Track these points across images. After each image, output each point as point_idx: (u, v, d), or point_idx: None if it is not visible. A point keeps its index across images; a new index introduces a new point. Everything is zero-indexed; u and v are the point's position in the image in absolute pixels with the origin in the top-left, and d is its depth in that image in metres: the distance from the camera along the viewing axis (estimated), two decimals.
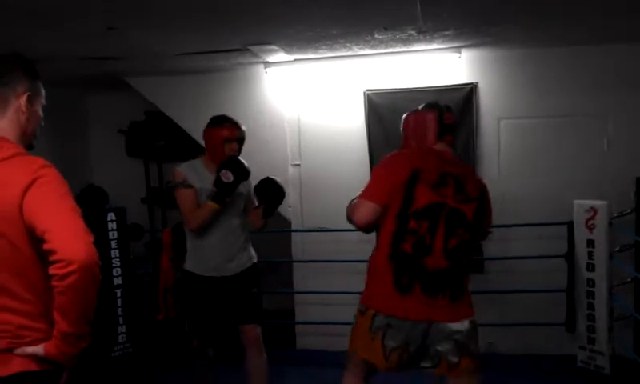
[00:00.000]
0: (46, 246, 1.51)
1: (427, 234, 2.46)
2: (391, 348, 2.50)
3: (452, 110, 2.79)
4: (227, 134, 3.29)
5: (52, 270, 1.50)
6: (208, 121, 3.42)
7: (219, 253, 3.28)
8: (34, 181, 1.56)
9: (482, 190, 2.61)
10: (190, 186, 3.24)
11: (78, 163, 5.75)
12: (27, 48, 3.60)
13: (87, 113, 5.92)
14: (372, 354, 2.55)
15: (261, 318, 3.45)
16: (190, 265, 3.38)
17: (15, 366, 1.59)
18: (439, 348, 2.49)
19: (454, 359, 2.47)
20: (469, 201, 2.51)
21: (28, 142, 1.76)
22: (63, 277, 1.48)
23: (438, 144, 2.68)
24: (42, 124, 1.82)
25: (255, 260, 3.47)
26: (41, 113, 1.81)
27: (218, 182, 3.15)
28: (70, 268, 1.48)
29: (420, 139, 2.70)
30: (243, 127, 3.40)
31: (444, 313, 2.47)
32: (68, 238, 1.51)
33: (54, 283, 1.50)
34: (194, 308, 3.40)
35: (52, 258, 1.50)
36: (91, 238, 1.56)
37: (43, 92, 1.82)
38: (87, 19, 3.09)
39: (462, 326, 2.49)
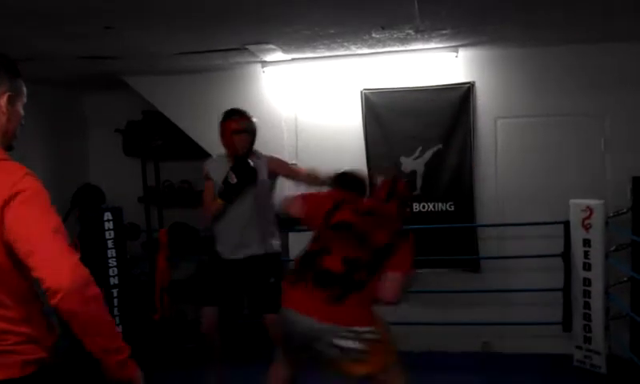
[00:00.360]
0: (33, 274, 1.52)
1: (334, 242, 2.75)
2: (283, 337, 2.81)
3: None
4: (234, 126, 3.44)
5: (50, 301, 1.51)
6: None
7: (232, 238, 3.46)
8: (15, 194, 1.53)
9: (395, 233, 2.77)
10: (210, 179, 3.51)
11: (75, 162, 5.74)
12: (26, 47, 3.60)
13: (85, 112, 5.90)
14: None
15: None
16: (216, 245, 3.59)
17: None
18: (319, 346, 2.64)
19: (336, 359, 2.64)
20: (382, 229, 2.75)
21: (8, 143, 1.71)
22: (57, 306, 1.49)
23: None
24: (23, 123, 1.76)
25: (276, 249, 3.59)
26: (22, 112, 1.75)
27: (225, 181, 3.34)
28: (58, 296, 1.48)
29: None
30: (253, 119, 3.51)
31: (321, 310, 2.62)
32: (51, 265, 1.50)
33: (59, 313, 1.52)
34: (210, 279, 3.59)
35: (42, 286, 1.51)
36: (75, 258, 1.54)
37: (25, 90, 1.77)
38: (86, 19, 3.08)
39: (337, 330, 2.61)
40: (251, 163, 3.34)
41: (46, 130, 5.17)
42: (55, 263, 1.50)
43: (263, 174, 3.47)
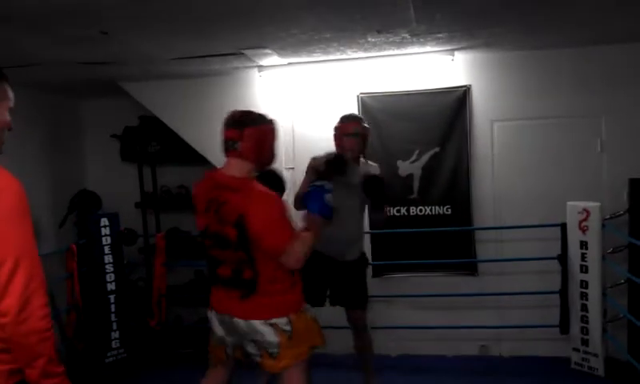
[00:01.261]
0: None
1: (215, 249, 2.66)
2: (214, 340, 2.76)
3: (236, 123, 2.64)
4: (344, 130, 3.65)
5: None
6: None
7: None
8: None
9: (242, 214, 2.50)
10: None
11: (72, 168, 5.73)
12: (22, 53, 3.60)
13: (81, 118, 5.90)
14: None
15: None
16: None
17: None
18: (245, 343, 2.64)
19: (256, 356, 2.62)
20: (226, 224, 2.56)
21: None
22: (4, 327, 1.52)
23: (225, 162, 2.68)
24: (11, 128, 1.73)
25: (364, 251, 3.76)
26: (8, 117, 1.71)
27: None
28: (4, 320, 1.50)
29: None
30: (363, 123, 3.68)
31: (237, 308, 2.62)
32: (10, 287, 1.51)
33: None
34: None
35: None
36: (35, 285, 1.54)
37: (10, 95, 1.72)
38: (82, 24, 3.08)
39: (252, 324, 2.59)
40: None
41: (44, 135, 5.17)
42: (15, 288, 1.50)
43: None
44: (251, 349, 2.63)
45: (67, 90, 5.32)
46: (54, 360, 1.59)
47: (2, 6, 2.69)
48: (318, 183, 2.78)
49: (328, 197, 2.71)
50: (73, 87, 5.23)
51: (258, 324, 2.57)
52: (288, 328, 2.57)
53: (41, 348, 1.55)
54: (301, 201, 3.10)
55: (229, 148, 2.61)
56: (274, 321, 2.57)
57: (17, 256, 1.52)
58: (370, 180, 3.53)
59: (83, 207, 5.22)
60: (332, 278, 3.66)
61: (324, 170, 3.28)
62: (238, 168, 2.60)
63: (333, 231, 3.26)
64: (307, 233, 2.62)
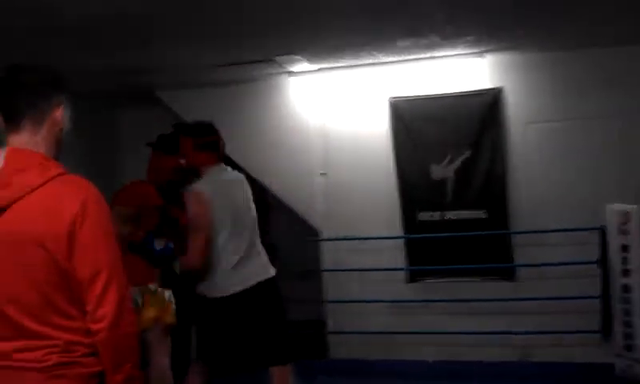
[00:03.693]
0: (85, 294, 1.56)
1: None
2: None
3: None
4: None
5: (90, 325, 1.57)
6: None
7: None
8: (84, 211, 1.56)
9: None
10: None
11: (109, 175, 5.85)
12: (62, 62, 3.70)
13: (118, 126, 6.03)
14: None
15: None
16: None
17: None
18: None
19: None
20: None
21: (57, 155, 1.73)
22: (97, 333, 1.56)
23: None
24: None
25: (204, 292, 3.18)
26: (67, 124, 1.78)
27: None
28: (100, 326, 1.55)
29: None
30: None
31: None
32: (106, 296, 1.56)
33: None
34: None
35: (86, 307, 1.56)
36: (126, 292, 1.60)
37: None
38: (121, 34, 3.17)
39: None
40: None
41: (81, 143, 5.25)
42: (110, 297, 1.56)
43: None
44: None
45: (105, 98, 5.46)
46: (137, 365, 1.65)
47: (45, 17, 2.78)
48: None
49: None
50: (110, 96, 5.37)
51: None
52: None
53: (130, 352, 1.62)
54: None
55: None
56: None
57: (111, 267, 1.58)
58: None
59: None
60: None
61: None
62: None
63: None
64: None
